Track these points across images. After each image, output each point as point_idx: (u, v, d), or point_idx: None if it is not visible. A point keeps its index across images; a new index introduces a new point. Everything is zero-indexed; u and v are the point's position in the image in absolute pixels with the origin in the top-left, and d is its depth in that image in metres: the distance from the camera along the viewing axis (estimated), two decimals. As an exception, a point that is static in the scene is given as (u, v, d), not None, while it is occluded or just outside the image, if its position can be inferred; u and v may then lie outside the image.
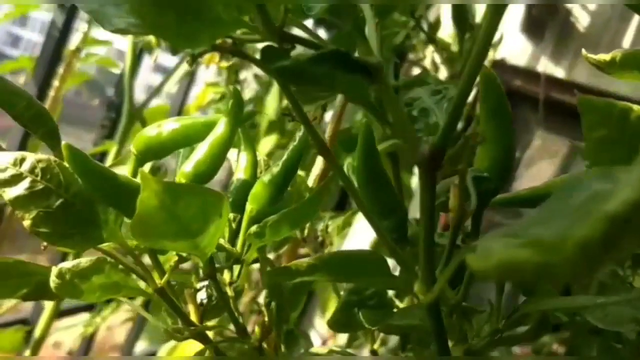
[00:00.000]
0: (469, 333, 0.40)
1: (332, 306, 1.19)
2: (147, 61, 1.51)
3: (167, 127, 0.39)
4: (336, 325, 0.45)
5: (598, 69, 0.40)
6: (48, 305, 1.15)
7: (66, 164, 0.33)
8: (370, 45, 0.28)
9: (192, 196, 0.28)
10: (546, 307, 0.35)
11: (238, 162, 0.43)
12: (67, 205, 0.32)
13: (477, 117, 0.38)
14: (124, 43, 1.17)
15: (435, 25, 0.99)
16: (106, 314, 1.21)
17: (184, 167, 0.37)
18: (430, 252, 0.29)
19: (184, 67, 1.23)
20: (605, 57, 0.38)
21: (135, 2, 0.24)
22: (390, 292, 0.46)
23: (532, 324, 0.43)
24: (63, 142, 0.31)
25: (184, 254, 0.37)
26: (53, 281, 0.37)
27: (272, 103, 1.33)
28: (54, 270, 0.37)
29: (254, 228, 0.36)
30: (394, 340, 0.88)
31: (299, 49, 0.29)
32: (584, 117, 0.31)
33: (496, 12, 0.24)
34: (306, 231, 0.56)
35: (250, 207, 0.38)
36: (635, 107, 0.29)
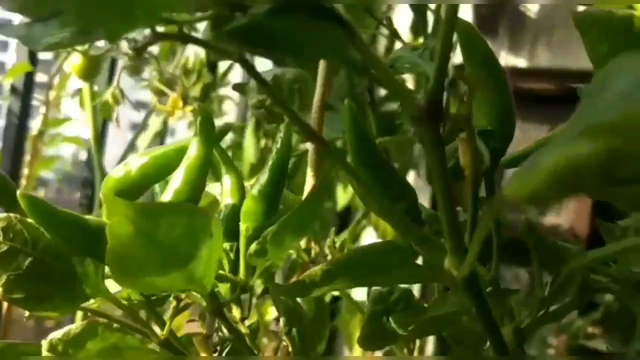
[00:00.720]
0: (515, 314, 0.37)
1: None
2: (116, 135, 1.48)
3: (135, 163, 0.36)
4: (367, 341, 0.41)
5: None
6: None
7: (29, 219, 0.29)
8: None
9: (174, 215, 0.24)
10: (593, 257, 0.31)
11: (222, 187, 0.40)
12: (37, 263, 0.28)
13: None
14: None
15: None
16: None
17: (162, 199, 0.34)
18: (454, 219, 0.25)
19: (152, 127, 1.20)
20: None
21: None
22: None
23: (575, 291, 0.39)
24: (18, 192, 0.28)
25: (181, 294, 0.33)
26: (46, 357, 0.33)
27: (250, 147, 1.30)
28: (45, 343, 0.33)
29: (253, 246, 0.32)
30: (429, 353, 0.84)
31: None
32: (584, 37, 0.28)
33: None
34: (313, 252, 0.53)
35: (244, 226, 0.34)
36: (637, 10, 0.27)
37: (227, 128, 0.37)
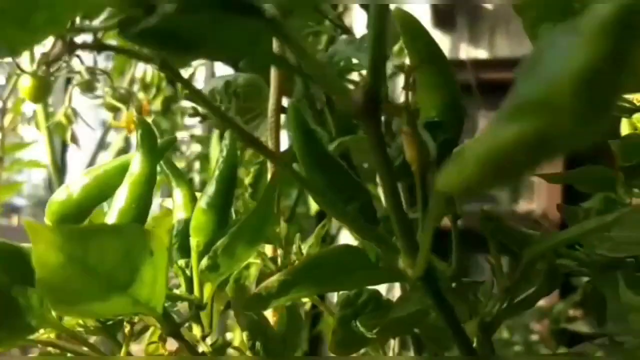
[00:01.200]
0: (479, 307, 0.36)
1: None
2: (82, 156, 1.45)
3: (76, 185, 0.34)
4: (338, 346, 0.40)
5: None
6: None
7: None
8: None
9: (105, 237, 0.23)
10: (554, 241, 0.30)
11: (173, 201, 0.38)
12: (-29, 298, 0.26)
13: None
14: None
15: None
16: None
17: (107, 220, 0.32)
18: (404, 217, 0.24)
19: (114, 144, 1.18)
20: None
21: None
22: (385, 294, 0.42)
23: (541, 279, 0.38)
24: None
25: (134, 318, 0.31)
26: (41, 357, 0.31)
27: (216, 157, 1.28)
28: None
29: (204, 262, 0.31)
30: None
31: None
32: (524, 20, 0.27)
33: None
34: (280, 260, 0.51)
35: (195, 240, 0.32)
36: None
37: (171, 140, 0.35)
